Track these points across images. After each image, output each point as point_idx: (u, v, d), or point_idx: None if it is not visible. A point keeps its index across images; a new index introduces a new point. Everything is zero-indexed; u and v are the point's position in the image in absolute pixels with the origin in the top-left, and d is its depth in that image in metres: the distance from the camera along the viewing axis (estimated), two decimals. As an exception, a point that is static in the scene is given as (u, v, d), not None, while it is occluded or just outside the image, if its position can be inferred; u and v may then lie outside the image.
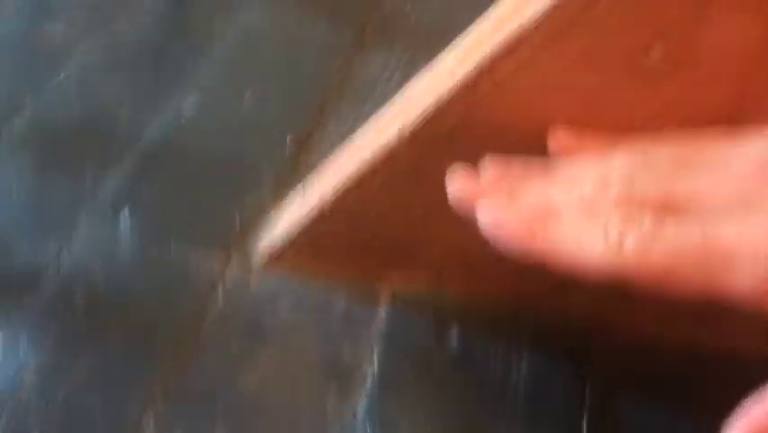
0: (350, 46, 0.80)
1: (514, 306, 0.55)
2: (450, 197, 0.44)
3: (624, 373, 0.52)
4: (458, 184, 0.44)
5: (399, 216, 0.52)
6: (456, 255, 0.54)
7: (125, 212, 0.61)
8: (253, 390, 0.50)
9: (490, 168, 0.44)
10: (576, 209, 0.38)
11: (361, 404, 0.50)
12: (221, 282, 0.57)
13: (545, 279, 0.54)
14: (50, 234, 0.59)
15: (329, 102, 0.73)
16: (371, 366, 0.52)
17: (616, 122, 0.43)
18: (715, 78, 0.39)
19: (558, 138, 0.44)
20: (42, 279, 0.55)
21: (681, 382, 0.49)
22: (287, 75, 0.75)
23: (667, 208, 0.35)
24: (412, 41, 0.83)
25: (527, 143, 0.46)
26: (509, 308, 0.55)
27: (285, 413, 0.49)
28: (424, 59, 0.79)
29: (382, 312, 0.55)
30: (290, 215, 0.57)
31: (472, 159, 0.47)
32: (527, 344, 0.53)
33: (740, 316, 0.52)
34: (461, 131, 0.46)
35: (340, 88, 0.74)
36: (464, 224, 0.52)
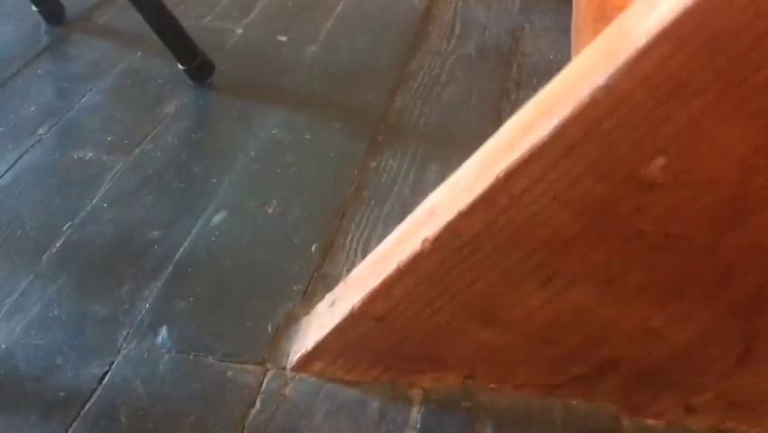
0: (364, 151, 0.84)
1: (543, 398, 0.57)
2: None
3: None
4: None
5: (427, 320, 0.54)
6: (485, 354, 0.56)
7: (163, 330, 0.63)
8: (296, 500, 0.52)
9: None
10: None
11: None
12: (258, 393, 0.59)
13: (572, 369, 0.56)
14: (91, 355, 0.61)
15: (349, 207, 0.76)
16: (410, 469, 0.53)
17: (624, 230, 0.46)
18: (712, 184, 0.42)
19: None
20: (86, 400, 0.58)
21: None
22: (306, 184, 0.79)
23: None
24: (423, 141, 0.87)
25: (543, 251, 0.49)
26: (539, 402, 0.57)
27: None
28: (436, 159, 0.83)
29: (416, 413, 0.57)
30: (321, 322, 0.60)
31: (494, 264, 0.50)
32: (560, 435, 0.54)
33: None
34: (483, 239, 0.49)
35: (358, 194, 0.78)
36: (492, 322, 0.54)
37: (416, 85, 0.96)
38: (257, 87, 0.96)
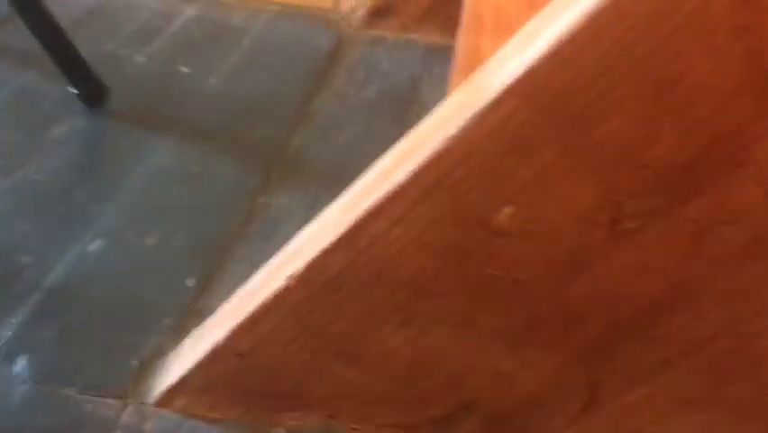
0: (255, 187, 0.84)
1: (404, 440, 0.57)
2: None
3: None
4: None
5: (289, 358, 0.54)
6: (347, 393, 0.56)
7: (23, 359, 0.61)
8: None
9: None
10: None
11: None
12: (115, 428, 0.57)
13: (432, 411, 0.56)
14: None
15: (233, 243, 0.76)
16: (264, 509, 0.52)
17: (478, 275, 0.47)
18: (557, 234, 0.44)
19: None
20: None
21: None
22: (192, 217, 0.78)
23: None
24: (316, 181, 0.88)
25: (403, 292, 0.50)
26: (400, 443, 0.57)
27: None
28: (328, 199, 0.83)
29: (276, 452, 0.56)
30: (185, 358, 0.59)
31: (356, 304, 0.51)
32: (417, 478, 0.55)
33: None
34: (345, 278, 0.50)
35: (244, 229, 0.78)
36: (354, 362, 0.55)
37: (315, 124, 0.98)
38: (152, 116, 0.95)
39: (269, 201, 0.82)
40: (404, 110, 1.04)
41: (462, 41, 0.72)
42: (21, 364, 0.61)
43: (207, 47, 1.13)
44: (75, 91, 0.92)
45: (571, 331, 0.49)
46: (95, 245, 0.73)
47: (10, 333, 0.63)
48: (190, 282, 0.70)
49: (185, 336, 0.64)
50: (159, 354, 0.63)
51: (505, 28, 0.66)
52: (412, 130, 0.49)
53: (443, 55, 1.18)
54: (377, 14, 1.23)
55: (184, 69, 1.06)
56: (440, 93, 1.11)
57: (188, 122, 0.96)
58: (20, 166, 0.82)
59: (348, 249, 0.48)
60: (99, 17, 1.15)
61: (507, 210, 0.45)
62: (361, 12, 1.22)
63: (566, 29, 0.40)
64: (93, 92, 0.93)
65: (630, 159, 0.41)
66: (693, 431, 0.53)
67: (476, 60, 0.69)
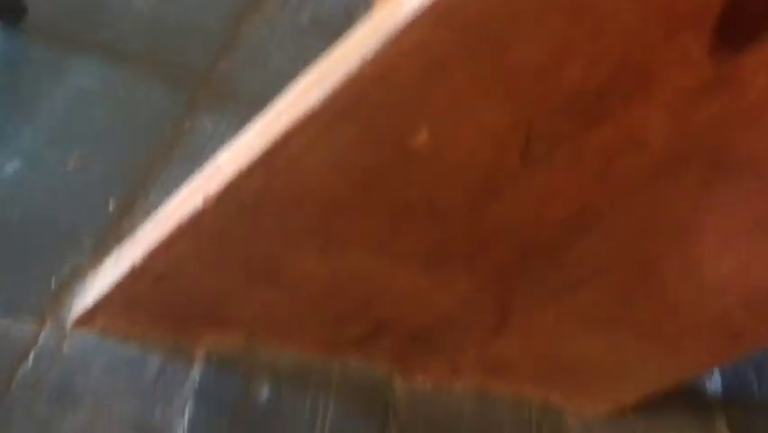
0: (181, 111, 0.82)
1: (323, 358, 0.59)
2: None
3: (418, 419, 0.56)
4: None
5: (209, 279, 0.54)
6: (267, 314, 0.57)
7: (-68, 279, 0.60)
8: (61, 455, 0.51)
9: None
10: None
11: (170, 462, 0.51)
12: (33, 348, 0.57)
13: (350, 330, 0.58)
14: None
15: (156, 166, 0.75)
16: (182, 423, 0.53)
17: (393, 197, 0.48)
18: (471, 158, 0.45)
19: None
20: None
21: (472, 421, 0.54)
22: (115, 139, 0.76)
23: None
24: (242, 106, 0.86)
25: (320, 215, 0.50)
26: (319, 361, 0.59)
27: (92, 476, 0.50)
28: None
29: (196, 371, 0.57)
30: (104, 278, 0.59)
31: (274, 225, 0.51)
32: (333, 393, 0.57)
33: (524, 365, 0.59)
34: (263, 200, 0.50)
35: (168, 153, 0.76)
36: (273, 283, 0.56)
37: (243, 49, 0.95)
38: (75, 36, 0.91)
39: (194, 125, 0.80)
40: (336, 37, 1.03)
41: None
42: (-67, 285, 0.60)
43: (135, -35, 1.08)
44: (-10, 7, 0.88)
45: (482, 254, 0.50)
46: (11, 167, 0.71)
47: None
48: (111, 205, 0.69)
49: (105, 258, 0.63)
50: (78, 275, 0.62)
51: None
52: (327, 56, 0.49)
53: (378, -18, 1.17)
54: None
55: (109, -11, 1.02)
56: (374, 21, 1.09)
57: (113, 44, 0.92)
58: (-70, 84, 0.79)
59: (264, 171, 0.48)
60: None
61: (423, 133, 0.45)
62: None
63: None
64: (10, 9, 0.88)
65: (541, 83, 0.42)
66: (599, 350, 0.56)
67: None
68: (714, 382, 0.62)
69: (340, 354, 0.59)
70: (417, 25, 0.41)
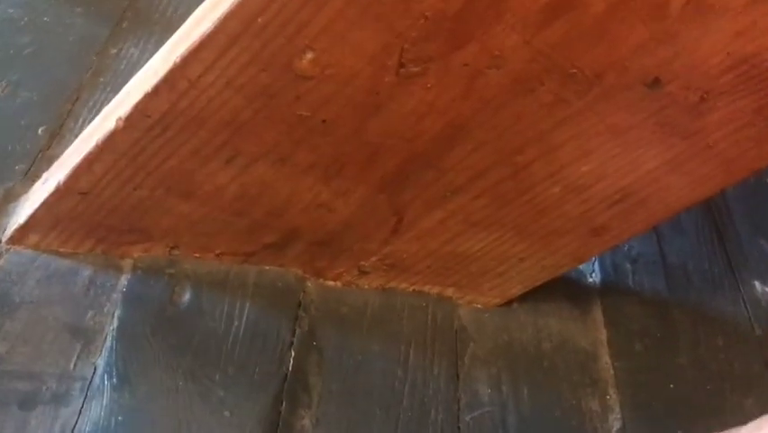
0: (105, 37, 0.85)
1: (241, 265, 0.65)
2: None
3: (327, 314, 0.63)
4: None
5: (128, 195, 0.59)
6: (186, 226, 0.63)
7: None
8: (2, 355, 0.56)
9: None
10: None
11: (101, 359, 0.57)
12: (-30, 264, 0.61)
13: (263, 238, 0.64)
14: None
15: (83, 92, 0.78)
16: (112, 327, 0.59)
17: (288, 114, 0.53)
18: (353, 78, 0.50)
19: None
20: None
21: (374, 320, 0.61)
22: (42, 67, 0.79)
23: None
24: (169, 31, 0.89)
25: (224, 132, 0.55)
26: (237, 268, 0.65)
27: (31, 374, 0.56)
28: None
29: (123, 280, 0.63)
30: (34, 198, 0.63)
31: (183, 143, 0.56)
32: (250, 295, 0.63)
33: (420, 263, 0.65)
34: (169, 120, 0.54)
35: (94, 79, 0.80)
36: (188, 197, 0.61)
37: (169, -26, 0.97)
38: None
39: (119, 53, 0.83)
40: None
41: None
42: None
43: None
44: None
45: (372, 164, 0.56)
46: (-60, 95, 0.74)
47: None
48: (41, 130, 0.73)
49: (36, 181, 0.68)
50: (11, 197, 0.67)
51: None
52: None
53: None
54: None
55: None
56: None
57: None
58: None
59: (168, 93, 0.53)
60: None
61: (309, 55, 0.50)
62: None
63: None
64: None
65: (407, 8, 0.47)
66: (484, 248, 0.63)
67: None
68: (594, 275, 0.69)
69: (255, 261, 0.65)
70: (294, -45, 0.45)
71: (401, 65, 0.49)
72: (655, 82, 0.49)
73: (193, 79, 0.52)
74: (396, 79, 0.50)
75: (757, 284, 0.70)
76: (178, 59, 0.51)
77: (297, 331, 0.61)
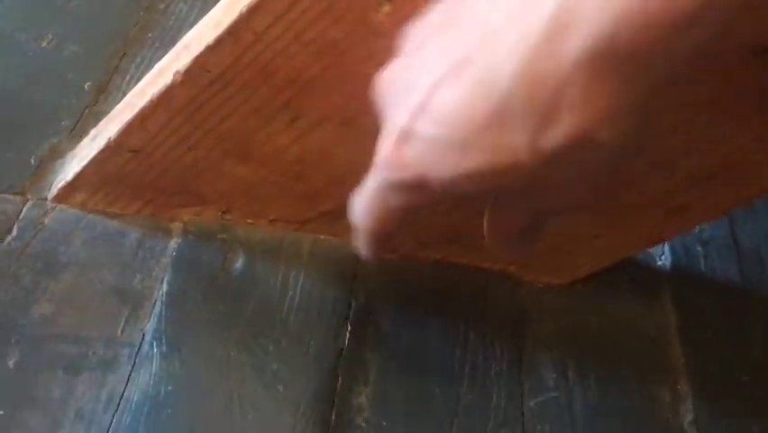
0: (154, -7, 0.82)
1: (295, 233, 0.62)
2: None
3: (384, 288, 0.60)
4: None
5: (182, 154, 0.56)
6: (241, 190, 0.60)
7: None
8: (47, 318, 0.54)
9: None
10: None
11: (150, 325, 0.55)
12: (16, 222, 0.59)
13: (320, 206, 0.61)
14: None
15: (130, 48, 0.75)
16: (161, 292, 0.57)
17: (358, 72, 0.50)
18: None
19: None
20: None
21: (432, 295, 0.58)
22: (88, 21, 0.76)
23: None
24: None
25: (289, 90, 0.52)
26: (291, 235, 0.62)
27: (77, 338, 0.53)
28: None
29: (174, 243, 0.60)
30: (82, 155, 0.60)
31: (244, 101, 0.53)
32: (304, 264, 0.60)
33: (483, 239, 0.62)
34: (231, 75, 0.51)
35: (141, 34, 0.77)
36: (246, 159, 0.58)
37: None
38: None
39: (168, 8, 0.80)
40: None
41: None
42: None
43: None
44: None
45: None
46: (-15, 46, 0.71)
47: None
48: (87, 86, 0.70)
49: (83, 138, 0.65)
50: (57, 154, 0.64)
51: None
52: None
53: None
54: None
55: None
56: None
57: None
58: None
59: (232, 45, 0.49)
60: None
61: (386, 8, 0.46)
62: None
63: None
64: None
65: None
66: (553, 222, 0.59)
67: None
68: (664, 258, 0.66)
69: (311, 229, 0.62)
70: None
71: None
72: (763, 50, 0.45)
73: (259, 32, 0.49)
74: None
75: (835, 273, 0.66)
76: (244, 10, 0.48)
77: (354, 304, 0.58)
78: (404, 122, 0.38)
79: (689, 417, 0.56)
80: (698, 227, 0.66)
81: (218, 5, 0.52)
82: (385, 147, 0.41)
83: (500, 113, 0.33)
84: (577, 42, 0.32)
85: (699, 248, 0.66)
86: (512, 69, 0.33)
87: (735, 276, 0.66)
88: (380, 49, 0.48)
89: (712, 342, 0.61)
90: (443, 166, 0.37)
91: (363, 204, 0.45)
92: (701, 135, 0.51)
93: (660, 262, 0.66)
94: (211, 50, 0.50)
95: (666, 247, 0.66)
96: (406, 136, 0.38)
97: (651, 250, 0.65)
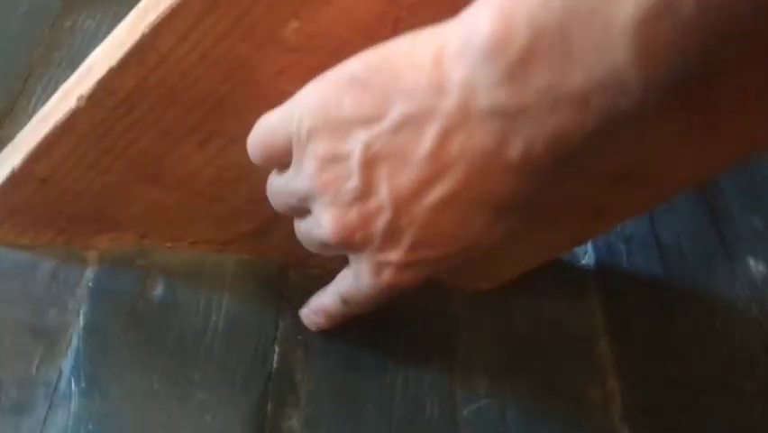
0: (59, 9, 0.78)
1: (218, 255, 0.60)
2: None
3: (312, 305, 0.59)
4: None
5: (93, 180, 0.54)
6: (156, 214, 0.58)
7: None
8: (-46, 360, 0.51)
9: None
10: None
11: (67, 361, 0.52)
12: None
13: (241, 226, 0.59)
14: None
15: (36, 69, 0.72)
16: (78, 325, 0.54)
17: (269, 89, 0.48)
18: (343, 50, 0.46)
19: None
20: None
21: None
22: (-11, 42, 0.73)
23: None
24: (126, 3, 0.83)
25: (199, 111, 0.50)
26: (213, 257, 0.60)
27: (-12, 379, 0.51)
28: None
29: (90, 272, 0.58)
30: (-15, 186, 0.57)
31: (152, 124, 0.51)
32: (229, 286, 0.58)
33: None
34: (137, 98, 0.49)
35: (47, 56, 0.73)
36: (158, 182, 0.56)
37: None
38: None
39: (74, 25, 0.77)
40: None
41: None
42: None
43: None
44: None
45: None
46: None
47: None
48: (-10, 111, 0.67)
49: (-14, 166, 0.62)
50: (-41, 185, 0.61)
51: None
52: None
53: None
54: None
55: None
56: None
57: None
58: None
59: (136, 67, 0.47)
60: None
61: (294, 24, 0.45)
62: None
63: None
64: None
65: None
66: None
67: None
68: (587, 257, 0.67)
69: (233, 250, 0.60)
70: None
71: (396, 34, 0.45)
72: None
73: (164, 52, 0.47)
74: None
75: (751, 262, 0.68)
76: (146, 30, 0.46)
77: (281, 324, 0.57)
78: (399, 258, 0.45)
79: (618, 414, 0.57)
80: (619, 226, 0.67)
81: (122, 24, 0.50)
82: (379, 274, 0.47)
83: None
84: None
85: (622, 245, 0.67)
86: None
87: (657, 271, 0.67)
88: (291, 63, 0.47)
89: (639, 337, 0.63)
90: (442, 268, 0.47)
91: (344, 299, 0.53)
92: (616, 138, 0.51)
93: (584, 261, 0.67)
94: (115, 72, 0.48)
95: (589, 246, 0.67)
96: (405, 266, 0.46)
97: (574, 250, 0.66)
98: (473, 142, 0.39)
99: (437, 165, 0.40)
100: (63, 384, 0.51)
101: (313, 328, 0.56)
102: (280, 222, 0.59)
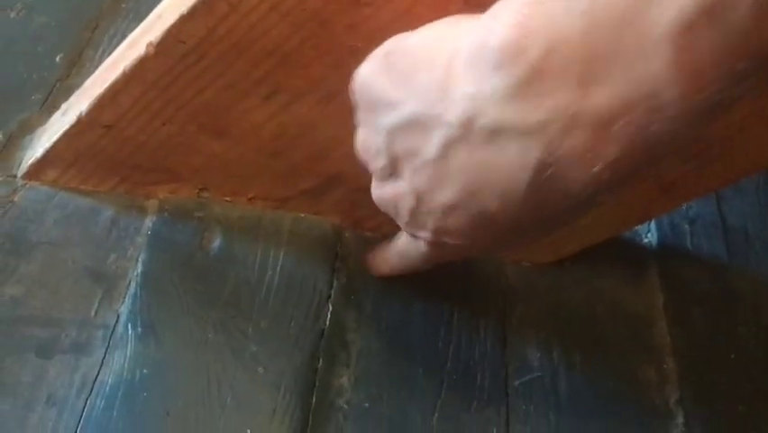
0: (128, -37, 0.79)
1: (274, 211, 0.60)
2: None
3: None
4: None
5: (157, 129, 0.54)
6: (217, 167, 0.58)
7: None
8: (17, 299, 0.52)
9: None
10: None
11: (125, 306, 0.53)
12: (-17, 199, 0.57)
13: (300, 183, 0.59)
14: None
15: (103, 19, 0.72)
16: (136, 272, 0.55)
17: (339, 44, 0.48)
18: (415, 4, 0.45)
19: None
20: None
21: (416, 275, 0.56)
22: (59, -10, 0.74)
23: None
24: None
25: (265, 64, 0.50)
26: (270, 213, 0.60)
27: (49, 320, 0.52)
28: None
29: (149, 221, 0.58)
30: (53, 130, 0.58)
31: (219, 75, 0.51)
32: (284, 243, 0.58)
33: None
34: (205, 47, 0.49)
35: (115, 4, 0.74)
36: (221, 135, 0.56)
37: None
38: None
39: (142, -23, 0.78)
40: None
41: None
42: None
43: None
44: None
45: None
46: (-50, 17, 0.69)
47: None
48: (58, 58, 0.68)
49: (53, 112, 0.63)
50: (27, 129, 0.62)
51: None
52: None
53: None
54: None
55: None
56: None
57: None
58: None
59: (206, 16, 0.47)
60: None
61: (369, -24, 0.44)
62: None
63: None
64: None
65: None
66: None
67: None
68: (650, 236, 0.65)
69: (290, 207, 0.60)
70: None
71: (466, 10, 0.44)
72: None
73: (234, 2, 0.46)
74: (464, 7, 0.45)
75: (821, 251, 0.65)
76: (219, -20, 0.46)
77: (335, 284, 0.57)
78: (427, 237, 0.45)
79: (674, 396, 0.56)
80: (685, 205, 0.65)
81: (192, -26, 0.50)
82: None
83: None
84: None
85: (686, 226, 0.65)
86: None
87: (721, 254, 0.65)
88: (363, 18, 0.47)
89: (698, 320, 0.61)
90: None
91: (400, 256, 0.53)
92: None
93: (646, 240, 0.65)
94: (185, 20, 0.47)
95: (653, 225, 0.65)
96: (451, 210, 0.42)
97: (637, 228, 0.64)
98: (473, 161, 0.36)
99: (441, 172, 0.38)
100: (120, 329, 0.52)
101: (375, 274, 0.56)
102: (339, 182, 0.59)
